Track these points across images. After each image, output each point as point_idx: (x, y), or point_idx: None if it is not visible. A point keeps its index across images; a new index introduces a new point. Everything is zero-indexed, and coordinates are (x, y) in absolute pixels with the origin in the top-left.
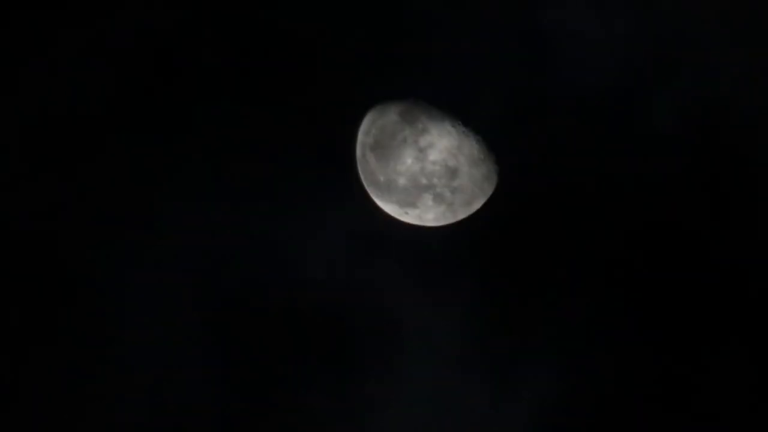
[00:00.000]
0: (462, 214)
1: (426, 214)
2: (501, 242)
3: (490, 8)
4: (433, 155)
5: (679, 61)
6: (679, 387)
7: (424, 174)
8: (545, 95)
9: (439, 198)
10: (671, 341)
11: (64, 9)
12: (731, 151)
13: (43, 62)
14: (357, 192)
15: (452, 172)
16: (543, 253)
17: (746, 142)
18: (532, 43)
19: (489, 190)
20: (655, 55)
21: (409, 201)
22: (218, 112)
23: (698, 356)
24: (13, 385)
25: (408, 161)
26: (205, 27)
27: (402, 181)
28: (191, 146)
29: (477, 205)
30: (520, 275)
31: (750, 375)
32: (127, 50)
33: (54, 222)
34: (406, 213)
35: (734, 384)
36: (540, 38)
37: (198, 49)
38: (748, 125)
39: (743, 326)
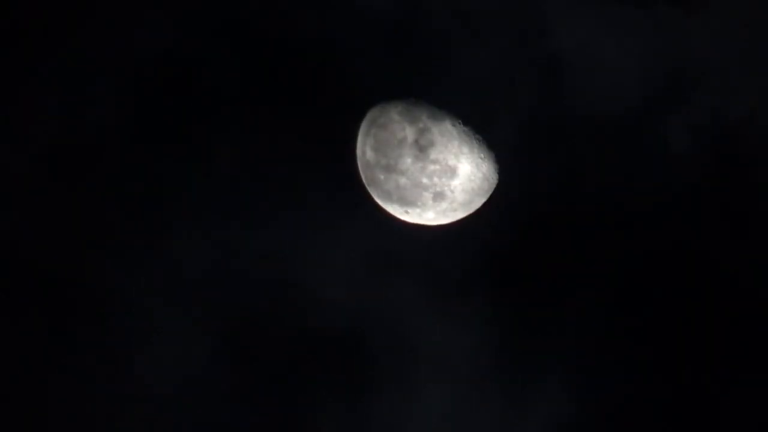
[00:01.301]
0: (462, 213)
1: (426, 213)
2: (507, 250)
3: (505, 28)
4: (434, 154)
5: (694, 83)
6: (694, 405)
7: (424, 173)
8: (558, 113)
9: (439, 197)
10: (688, 360)
11: (80, 27)
12: (747, 172)
13: (56, 78)
14: (358, 192)
15: (452, 171)
16: (555, 274)
17: (763, 163)
18: (546, 61)
19: (489, 189)
20: (670, 77)
21: (409, 200)
22: (224, 124)
23: (714, 374)
24: (27, 398)
25: (408, 160)
26: (209, 41)
27: (402, 180)
28: (200, 164)
29: (477, 203)
30: (528, 287)
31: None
32: (138, 67)
33: (63, 238)
34: (407, 212)
35: (752, 402)
36: (554, 57)
37: (202, 62)
38: (765, 146)
39: (760, 344)
